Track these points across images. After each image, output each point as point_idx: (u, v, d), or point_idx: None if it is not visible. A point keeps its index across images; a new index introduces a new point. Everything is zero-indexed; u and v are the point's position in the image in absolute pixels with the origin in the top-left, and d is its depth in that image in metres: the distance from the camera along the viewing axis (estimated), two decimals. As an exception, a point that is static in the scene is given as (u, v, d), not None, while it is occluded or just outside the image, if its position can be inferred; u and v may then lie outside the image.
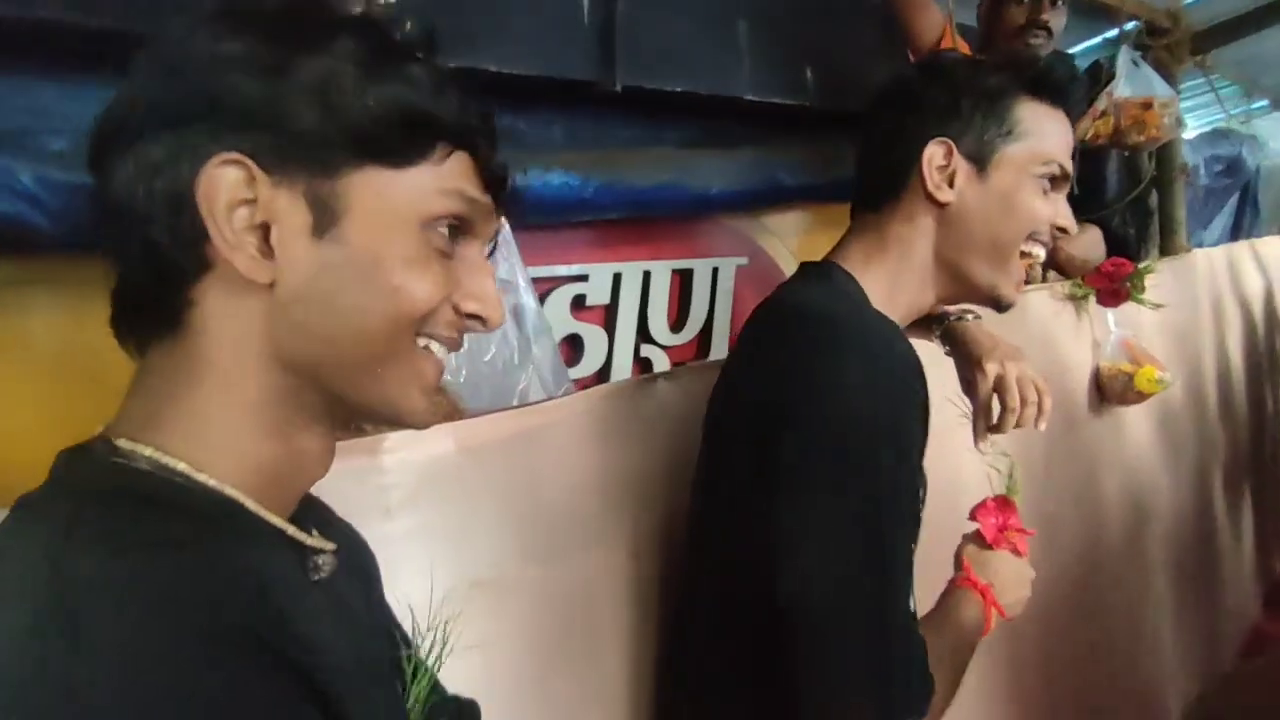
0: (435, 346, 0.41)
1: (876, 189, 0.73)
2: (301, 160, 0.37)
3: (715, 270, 1.61)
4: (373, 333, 0.38)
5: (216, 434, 0.37)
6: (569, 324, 1.39)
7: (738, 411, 0.67)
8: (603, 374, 1.46)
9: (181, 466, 0.36)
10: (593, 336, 1.43)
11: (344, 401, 0.40)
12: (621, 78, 1.12)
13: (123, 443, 0.37)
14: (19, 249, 0.83)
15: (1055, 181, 0.70)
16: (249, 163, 0.36)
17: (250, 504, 0.38)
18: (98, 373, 0.99)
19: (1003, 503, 0.78)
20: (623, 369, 1.49)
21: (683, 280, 1.56)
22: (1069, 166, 0.71)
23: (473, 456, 0.60)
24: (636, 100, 1.23)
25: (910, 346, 0.63)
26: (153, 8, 0.73)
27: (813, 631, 0.57)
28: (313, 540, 0.41)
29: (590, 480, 0.71)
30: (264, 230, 0.37)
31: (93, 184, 0.38)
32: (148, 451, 0.36)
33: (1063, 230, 0.71)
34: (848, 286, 0.69)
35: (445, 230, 0.40)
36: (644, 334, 1.51)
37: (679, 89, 1.20)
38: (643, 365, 1.53)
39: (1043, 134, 0.69)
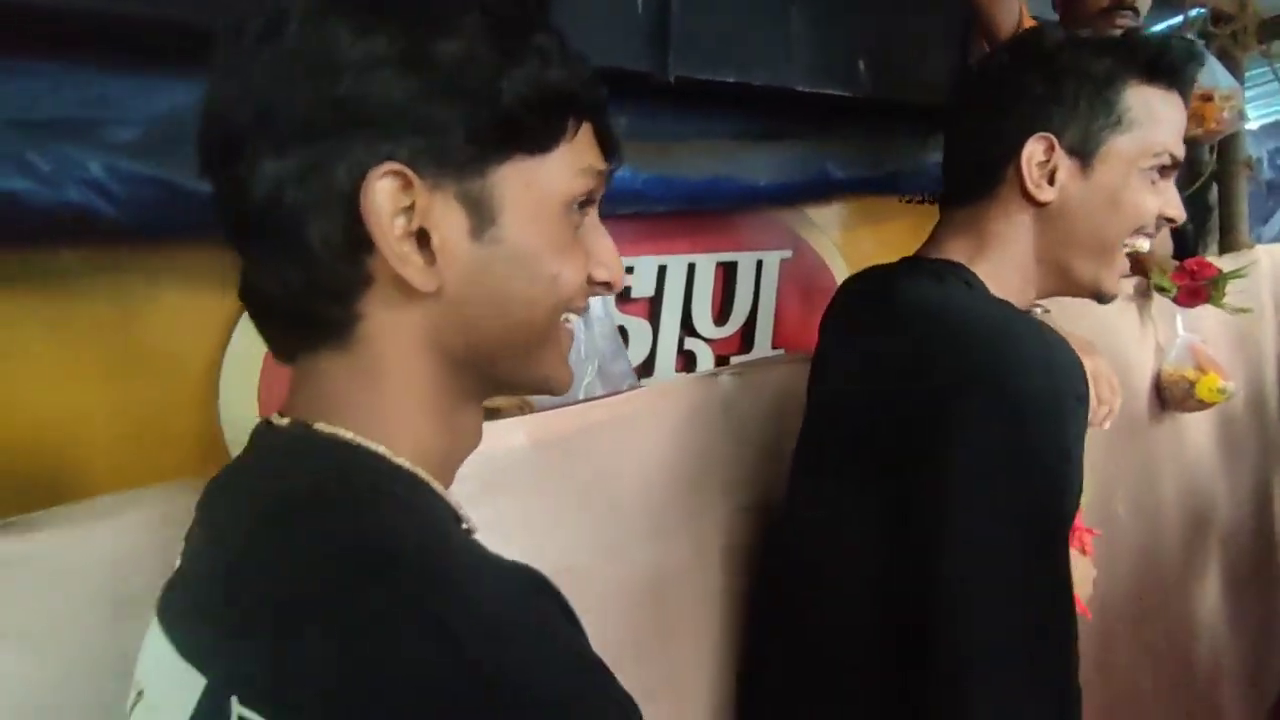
0: (572, 319, 0.42)
1: (969, 183, 0.70)
2: (453, 161, 0.36)
3: (759, 263, 1.59)
4: (535, 322, 0.39)
5: (397, 424, 0.38)
6: (614, 316, 1.38)
7: (877, 412, 0.64)
8: (646, 367, 1.45)
9: (381, 450, 0.37)
10: (637, 329, 1.43)
11: (501, 381, 0.41)
12: (674, 69, 1.11)
13: (321, 426, 0.37)
14: (87, 238, 0.85)
15: (1165, 170, 0.67)
16: (407, 171, 0.35)
17: (437, 486, 0.39)
18: (156, 360, 1.01)
19: None
20: (666, 362, 1.48)
21: (726, 273, 1.55)
22: (1180, 153, 0.67)
23: (543, 450, 0.60)
24: (687, 92, 1.21)
25: (1066, 341, 0.61)
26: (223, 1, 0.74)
27: (984, 634, 0.55)
28: (470, 523, 0.42)
29: (657, 474, 0.70)
30: (421, 236, 0.36)
31: (219, 187, 0.37)
32: (348, 435, 0.37)
33: (1171, 220, 0.68)
34: (979, 285, 0.67)
35: (579, 206, 0.40)
36: (688, 327, 1.50)
37: (732, 80, 1.18)
38: (686, 358, 1.52)
39: (1155, 122, 0.65)
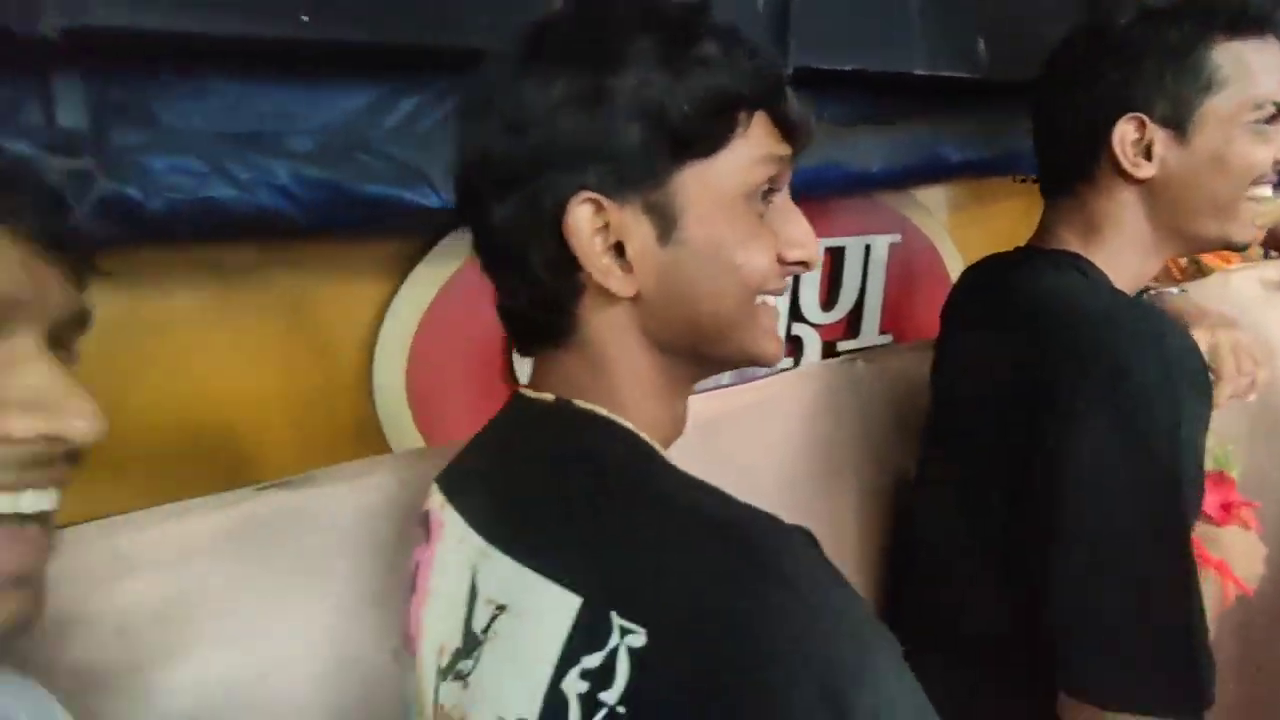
0: (769, 298, 0.45)
1: (1066, 172, 0.70)
2: (635, 178, 0.41)
3: (867, 248, 1.59)
4: (726, 310, 0.43)
5: (627, 408, 0.44)
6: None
7: (992, 404, 0.66)
8: (755, 352, 1.48)
9: (630, 426, 0.43)
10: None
11: (712, 361, 0.46)
12: (795, 60, 1.12)
13: (580, 403, 0.43)
14: (272, 235, 0.95)
15: (1274, 118, 0.64)
16: (597, 196, 0.41)
17: (669, 460, 0.44)
18: (320, 346, 1.12)
19: (1218, 478, 0.74)
20: (774, 347, 1.51)
21: (834, 258, 1.55)
22: None
23: (698, 431, 0.64)
24: (799, 79, 1.22)
25: (1184, 330, 0.61)
26: (384, 21, 0.82)
27: (1103, 622, 0.57)
28: None
29: (796, 454, 0.74)
30: (618, 248, 0.42)
31: (472, 230, 0.45)
32: (603, 413, 0.43)
33: None
34: (1096, 275, 0.67)
35: (763, 192, 0.44)
36: (795, 313, 1.52)
37: (850, 68, 1.19)
38: (794, 344, 1.54)
39: (1249, 76, 0.63)
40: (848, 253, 1.56)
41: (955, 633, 0.69)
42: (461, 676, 0.42)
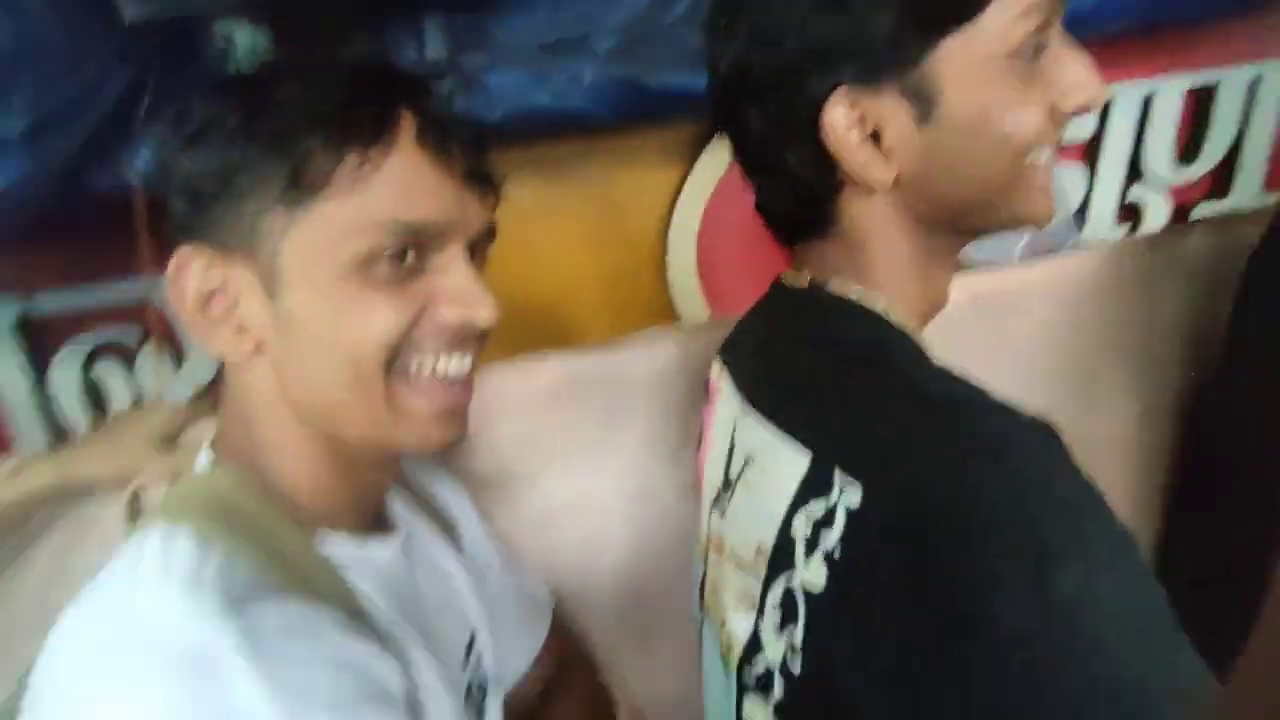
0: (1045, 154, 0.43)
1: None
2: (889, 64, 0.41)
3: (1255, 80, 1.25)
4: (994, 177, 0.42)
5: (884, 288, 0.46)
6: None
7: None
8: (1075, 222, 1.29)
9: (880, 306, 0.46)
10: (1066, 178, 1.26)
11: (976, 231, 0.46)
12: None
13: (834, 284, 0.47)
14: (581, 131, 1.08)
15: None
16: (852, 91, 0.42)
17: (920, 339, 0.46)
18: (621, 231, 1.25)
19: None
20: (1102, 215, 1.30)
21: (1198, 100, 1.25)
22: None
23: (982, 308, 0.63)
24: None
25: None
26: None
27: None
28: None
29: (1099, 339, 0.67)
30: (875, 137, 0.42)
31: (731, 135, 0.48)
32: (854, 297, 0.46)
33: None
34: None
35: (1034, 42, 0.40)
36: (1135, 171, 1.28)
37: None
38: (1128, 211, 1.31)
39: None
40: (1222, 90, 1.24)
41: (1249, 533, 0.61)
42: (722, 509, 0.51)
